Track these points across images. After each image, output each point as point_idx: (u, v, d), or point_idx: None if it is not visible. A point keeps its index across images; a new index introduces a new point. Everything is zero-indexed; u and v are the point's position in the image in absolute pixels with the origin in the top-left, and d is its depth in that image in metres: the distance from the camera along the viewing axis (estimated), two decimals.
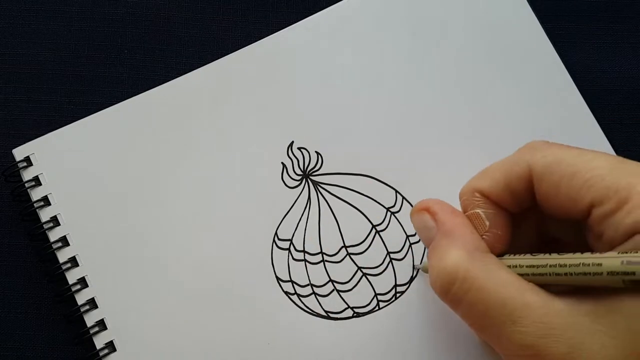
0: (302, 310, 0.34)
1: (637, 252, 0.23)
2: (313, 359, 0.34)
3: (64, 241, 0.35)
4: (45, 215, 0.35)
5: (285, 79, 0.37)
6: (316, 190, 0.36)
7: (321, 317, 0.34)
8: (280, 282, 0.35)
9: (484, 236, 0.28)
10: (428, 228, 0.29)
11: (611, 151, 0.36)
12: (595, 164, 0.25)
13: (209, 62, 0.37)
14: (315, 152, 0.37)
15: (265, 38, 0.38)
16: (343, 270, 0.35)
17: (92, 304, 0.34)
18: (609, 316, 0.23)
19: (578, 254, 0.25)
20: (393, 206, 0.36)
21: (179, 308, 0.34)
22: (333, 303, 0.35)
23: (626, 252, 0.23)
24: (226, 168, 0.36)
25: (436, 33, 0.38)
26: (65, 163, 0.36)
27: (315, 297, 0.35)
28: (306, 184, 0.36)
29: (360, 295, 0.35)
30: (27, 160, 0.36)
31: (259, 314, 0.34)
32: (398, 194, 0.36)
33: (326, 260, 0.35)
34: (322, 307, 0.35)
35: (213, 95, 0.37)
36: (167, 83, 0.37)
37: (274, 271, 0.35)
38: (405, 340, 0.34)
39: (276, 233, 0.35)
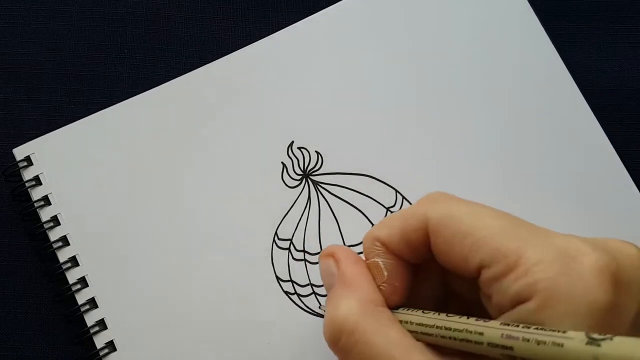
0: (302, 310, 0.34)
1: (518, 326, 0.22)
2: (313, 359, 0.34)
3: (64, 241, 0.35)
4: (45, 214, 0.35)
5: (286, 79, 0.37)
6: (316, 190, 0.36)
7: (321, 317, 0.34)
8: (280, 282, 0.35)
9: (381, 286, 0.27)
10: (331, 274, 0.28)
11: (612, 151, 0.36)
12: (488, 223, 0.24)
13: (209, 62, 0.38)
14: (315, 152, 0.37)
15: (265, 38, 0.38)
16: None
17: (92, 303, 0.34)
18: None
19: (464, 318, 0.24)
20: (393, 206, 0.36)
21: (179, 308, 0.34)
22: None
23: (508, 324, 0.22)
24: (226, 168, 0.36)
25: (436, 33, 0.38)
26: (65, 163, 0.36)
27: (315, 297, 0.35)
28: (306, 183, 0.36)
29: None
30: (28, 160, 0.36)
31: (259, 313, 0.34)
32: (398, 194, 0.36)
33: None
34: (322, 307, 0.34)
35: (213, 95, 0.37)
36: (167, 83, 0.37)
37: (274, 271, 0.35)
38: None
39: (276, 233, 0.35)
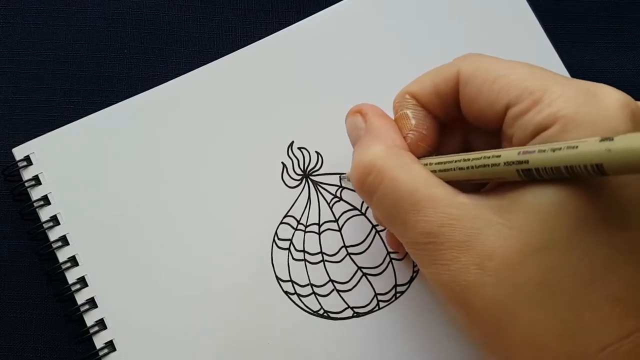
0: (302, 310, 0.34)
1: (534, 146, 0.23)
2: (313, 359, 0.34)
3: (64, 240, 0.35)
4: (45, 214, 0.35)
5: (285, 79, 0.37)
6: (316, 190, 0.36)
7: (321, 317, 0.34)
8: (280, 282, 0.35)
9: (409, 134, 0.28)
10: (358, 128, 0.30)
11: None
12: (517, 70, 0.26)
13: (209, 62, 0.38)
14: (315, 152, 0.37)
15: (265, 38, 0.38)
16: (343, 270, 0.35)
17: (92, 303, 0.34)
18: (509, 209, 0.24)
19: (483, 151, 0.25)
20: None
21: (179, 308, 0.34)
22: (333, 303, 0.35)
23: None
24: (226, 168, 0.36)
25: (436, 33, 0.38)
26: (65, 162, 0.36)
27: (315, 297, 0.35)
28: (306, 183, 0.36)
29: (360, 295, 0.35)
30: (27, 160, 0.36)
31: (259, 313, 0.34)
32: None
33: (326, 260, 0.35)
34: (322, 307, 0.35)
35: (213, 95, 0.37)
36: (167, 83, 0.37)
37: (274, 271, 0.35)
38: (405, 340, 0.34)
39: (276, 233, 0.35)
